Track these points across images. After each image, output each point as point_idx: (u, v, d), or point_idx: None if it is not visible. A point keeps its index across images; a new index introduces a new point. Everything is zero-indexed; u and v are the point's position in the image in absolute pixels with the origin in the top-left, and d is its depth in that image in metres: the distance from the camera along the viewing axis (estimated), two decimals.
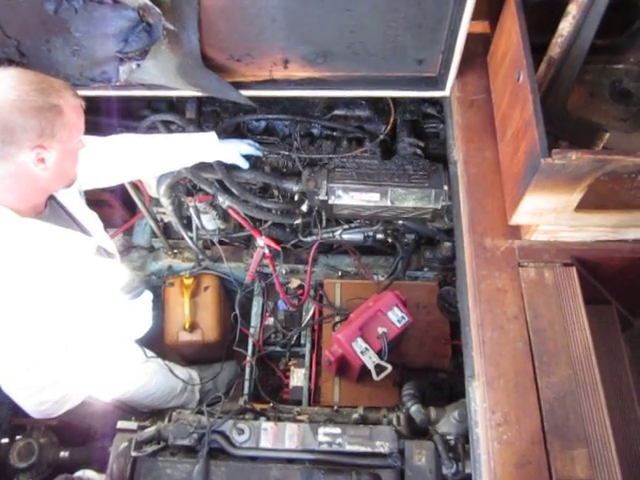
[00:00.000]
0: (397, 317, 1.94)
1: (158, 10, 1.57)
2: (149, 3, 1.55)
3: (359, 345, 1.89)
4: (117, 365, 1.57)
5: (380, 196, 1.88)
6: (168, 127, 2.10)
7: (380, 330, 1.92)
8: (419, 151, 1.98)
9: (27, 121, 1.11)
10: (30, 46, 1.73)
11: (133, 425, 1.70)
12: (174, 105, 2.18)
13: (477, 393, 1.40)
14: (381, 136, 1.98)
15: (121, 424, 1.70)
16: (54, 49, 1.73)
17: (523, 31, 1.48)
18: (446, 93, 1.85)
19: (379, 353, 1.89)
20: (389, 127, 1.99)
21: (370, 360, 1.87)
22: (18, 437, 2.12)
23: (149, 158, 1.71)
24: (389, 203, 1.88)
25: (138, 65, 1.77)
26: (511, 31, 1.53)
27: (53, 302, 1.26)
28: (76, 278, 1.34)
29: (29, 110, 1.11)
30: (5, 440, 2.11)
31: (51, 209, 1.34)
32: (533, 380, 1.38)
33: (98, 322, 1.49)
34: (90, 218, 1.53)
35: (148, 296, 1.64)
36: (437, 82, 1.83)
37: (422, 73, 1.83)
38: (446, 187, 1.86)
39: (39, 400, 1.30)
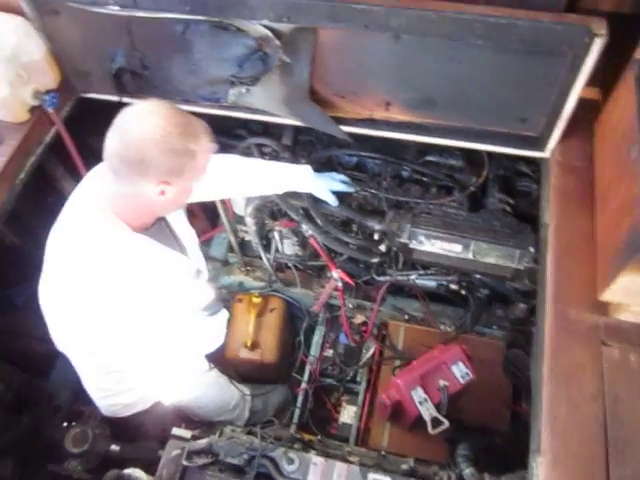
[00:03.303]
0: (461, 372, 1.89)
1: (278, 42, 1.64)
2: (270, 35, 1.63)
3: (418, 394, 1.86)
4: (183, 373, 1.61)
5: (462, 248, 1.86)
6: (261, 150, 2.18)
7: (441, 383, 1.88)
8: (508, 208, 1.95)
9: (163, 160, 1.17)
10: (153, 60, 1.86)
11: (187, 434, 1.73)
12: (269, 128, 2.26)
13: (541, 470, 1.34)
14: (471, 188, 1.96)
15: (176, 431, 1.73)
16: (174, 66, 1.85)
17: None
18: (546, 155, 1.82)
19: (437, 406, 1.85)
20: (480, 180, 1.98)
21: (427, 412, 1.83)
22: (74, 423, 2.22)
23: (247, 181, 1.77)
24: (470, 256, 1.86)
25: (247, 90, 1.86)
26: (627, 104, 1.49)
27: (143, 313, 1.32)
28: (169, 294, 1.41)
29: (168, 152, 1.17)
30: (64, 424, 2.21)
31: (158, 226, 1.42)
32: (604, 468, 1.30)
33: (176, 334, 1.55)
34: (189, 235, 1.60)
35: (224, 315, 1.69)
36: (538, 143, 1.81)
37: (523, 132, 1.81)
38: (532, 249, 1.82)
39: (113, 402, 1.36)
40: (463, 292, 2.18)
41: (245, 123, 2.29)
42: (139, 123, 1.15)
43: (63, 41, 1.90)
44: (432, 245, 1.88)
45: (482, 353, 2.26)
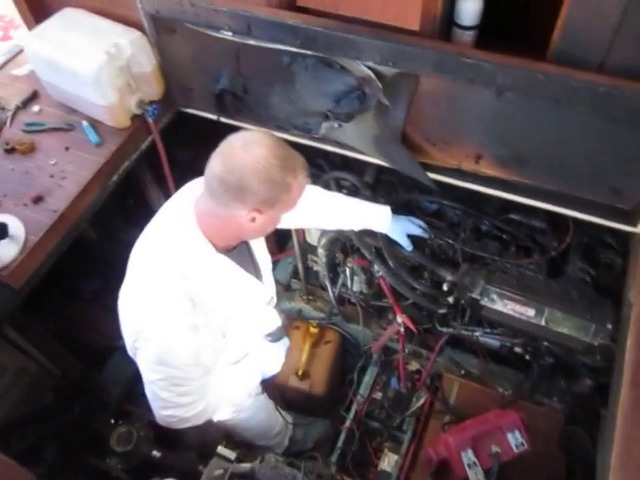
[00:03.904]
0: (516, 442, 1.81)
1: (379, 84, 1.67)
2: (373, 77, 1.66)
3: (468, 456, 1.79)
4: (240, 394, 1.63)
5: (535, 313, 1.79)
6: (339, 183, 2.20)
7: (494, 449, 1.80)
8: (588, 279, 1.88)
9: (260, 190, 1.20)
10: (255, 86, 1.92)
11: (231, 455, 1.73)
12: (349, 163, 2.27)
13: None
14: (552, 252, 1.91)
15: (221, 450, 1.73)
16: (274, 94, 1.91)
17: None
18: (637, 230, 1.75)
19: (486, 472, 1.77)
20: (562, 246, 1.92)
21: (475, 476, 1.76)
22: (121, 422, 2.26)
23: (328, 214, 1.79)
24: (543, 323, 1.79)
25: (340, 125, 1.89)
26: None
27: (214, 332, 1.34)
28: (240, 317, 1.43)
29: (266, 182, 1.20)
30: (111, 421, 2.26)
31: (240, 249, 1.45)
32: None
33: (239, 355, 1.57)
34: (266, 261, 1.63)
35: (285, 343, 1.69)
36: (630, 217, 1.75)
37: (615, 203, 1.75)
38: (610, 326, 1.73)
39: (171, 414, 1.38)
40: (527, 357, 2.10)
41: (325, 154, 2.32)
42: (244, 150, 1.19)
43: (173, 58, 2.00)
44: (504, 305, 1.82)
45: (538, 423, 2.15)
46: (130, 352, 1.40)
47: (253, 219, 1.25)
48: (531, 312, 1.80)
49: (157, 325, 1.25)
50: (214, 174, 1.21)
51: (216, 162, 1.21)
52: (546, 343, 1.98)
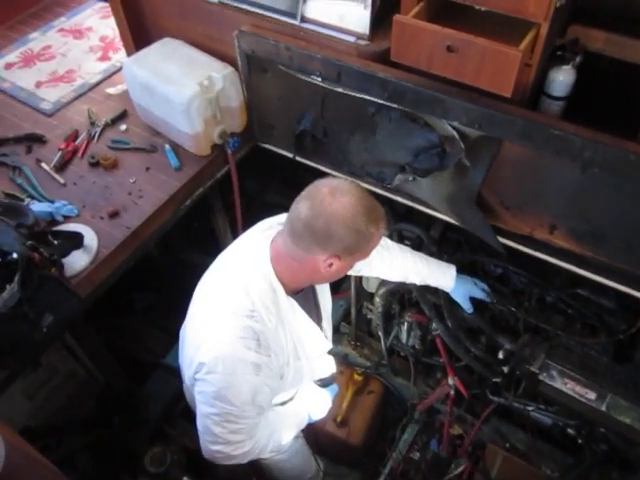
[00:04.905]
0: None
1: (462, 145, 1.67)
2: (457, 137, 1.66)
3: None
4: (286, 436, 1.61)
5: (597, 397, 1.71)
6: (401, 233, 2.19)
7: None
8: None
9: (344, 237, 1.21)
10: (335, 131, 1.96)
11: None
12: (413, 214, 2.26)
13: None
14: (620, 336, 1.83)
15: None
16: (353, 140, 1.93)
17: None
18: None
19: None
20: (632, 330, 1.84)
21: None
22: (156, 442, 2.26)
23: (395, 267, 1.78)
24: (604, 408, 1.71)
25: (415, 179, 1.89)
26: None
27: (270, 373, 1.34)
28: (299, 362, 1.43)
29: (352, 231, 1.21)
30: (147, 439, 2.27)
31: (306, 292, 1.46)
32: None
33: (286, 397, 1.56)
34: (327, 306, 1.63)
35: (333, 390, 1.67)
36: None
37: None
38: None
39: (220, 449, 1.36)
40: (580, 440, 2.00)
41: (390, 202, 2.31)
42: (333, 198, 1.20)
43: (260, 95, 2.07)
44: (564, 384, 1.75)
45: None
46: (188, 382, 1.40)
47: (330, 264, 1.25)
48: (592, 395, 1.73)
49: (221, 360, 1.25)
50: (300, 217, 1.22)
51: (303, 206, 1.22)
52: (603, 429, 1.88)
